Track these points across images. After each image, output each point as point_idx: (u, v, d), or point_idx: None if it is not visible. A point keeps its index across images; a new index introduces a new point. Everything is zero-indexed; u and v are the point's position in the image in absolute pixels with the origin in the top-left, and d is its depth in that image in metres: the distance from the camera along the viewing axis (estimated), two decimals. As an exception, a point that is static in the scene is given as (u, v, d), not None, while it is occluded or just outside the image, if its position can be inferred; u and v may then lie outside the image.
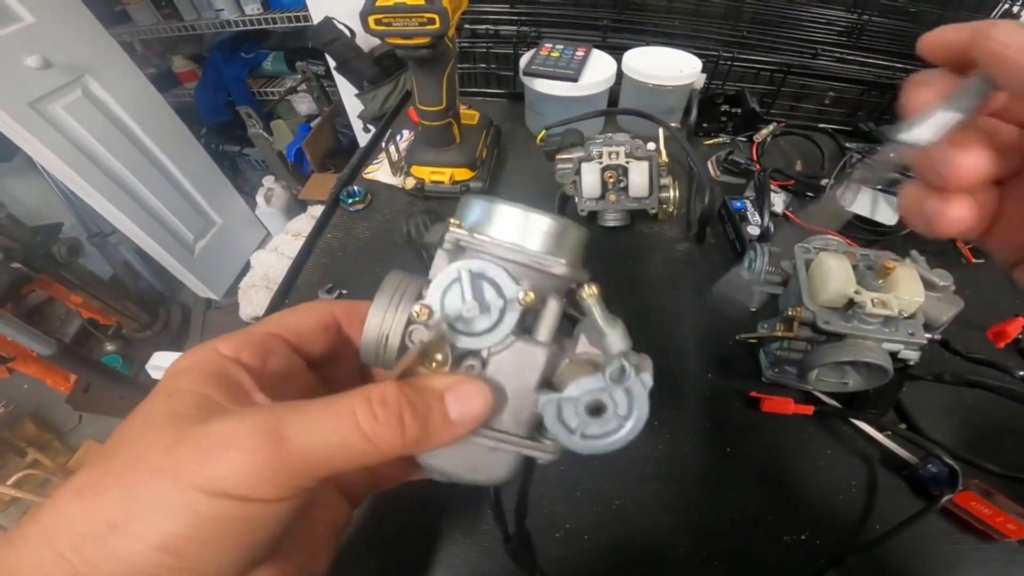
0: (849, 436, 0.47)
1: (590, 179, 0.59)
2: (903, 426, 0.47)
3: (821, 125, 0.83)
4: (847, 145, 0.77)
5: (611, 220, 0.63)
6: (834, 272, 0.41)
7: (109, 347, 1.72)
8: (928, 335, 0.42)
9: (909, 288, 0.41)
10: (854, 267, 0.43)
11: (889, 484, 0.44)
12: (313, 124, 1.65)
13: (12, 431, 1.48)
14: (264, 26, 1.63)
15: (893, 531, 0.40)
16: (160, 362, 0.66)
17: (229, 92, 1.95)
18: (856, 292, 0.41)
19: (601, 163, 0.59)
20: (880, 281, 0.42)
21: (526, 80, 0.76)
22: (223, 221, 1.83)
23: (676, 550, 0.41)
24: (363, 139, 1.35)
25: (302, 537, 0.23)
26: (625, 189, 0.59)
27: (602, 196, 0.60)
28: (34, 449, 1.44)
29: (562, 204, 0.66)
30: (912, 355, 0.42)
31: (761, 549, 0.41)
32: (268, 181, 1.81)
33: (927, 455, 0.44)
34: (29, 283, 1.41)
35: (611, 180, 0.59)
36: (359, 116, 1.18)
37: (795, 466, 0.45)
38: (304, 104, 1.95)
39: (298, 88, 1.87)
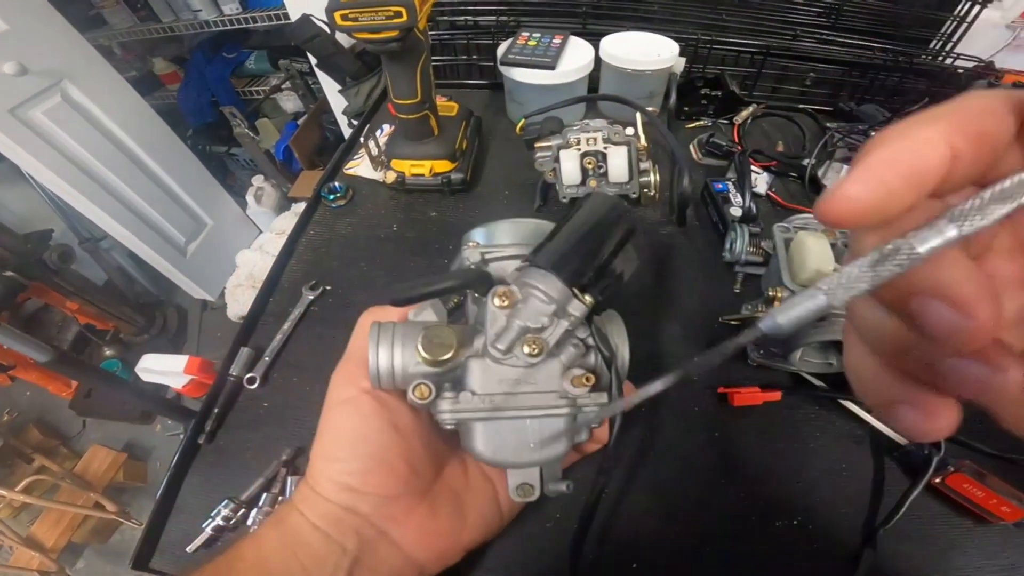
0: (839, 418, 0.47)
1: (569, 166, 0.58)
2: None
3: (802, 106, 0.83)
4: (828, 125, 0.77)
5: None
6: (812, 251, 0.42)
7: (108, 352, 1.72)
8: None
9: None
10: (832, 245, 0.43)
11: (880, 467, 0.44)
12: (300, 122, 1.65)
13: (18, 438, 1.49)
14: (243, 25, 1.62)
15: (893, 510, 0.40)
16: (150, 364, 0.66)
17: (213, 93, 1.93)
18: (834, 270, 0.41)
19: (580, 149, 0.59)
20: (857, 259, 0.42)
21: (504, 70, 0.76)
22: (214, 222, 1.81)
23: (666, 536, 0.41)
24: (349, 135, 1.35)
25: (449, 506, 0.31)
26: (605, 175, 0.59)
27: (583, 182, 0.60)
28: (40, 455, 1.44)
29: (544, 192, 0.66)
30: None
31: (753, 535, 0.41)
32: (257, 180, 1.80)
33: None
34: (23, 291, 1.41)
35: (591, 166, 0.59)
36: (343, 112, 1.17)
37: (784, 451, 0.45)
38: (290, 102, 1.93)
39: (282, 86, 1.86)
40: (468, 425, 0.27)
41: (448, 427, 0.27)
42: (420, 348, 0.26)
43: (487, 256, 0.30)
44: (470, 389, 0.26)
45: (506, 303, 0.26)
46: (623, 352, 0.28)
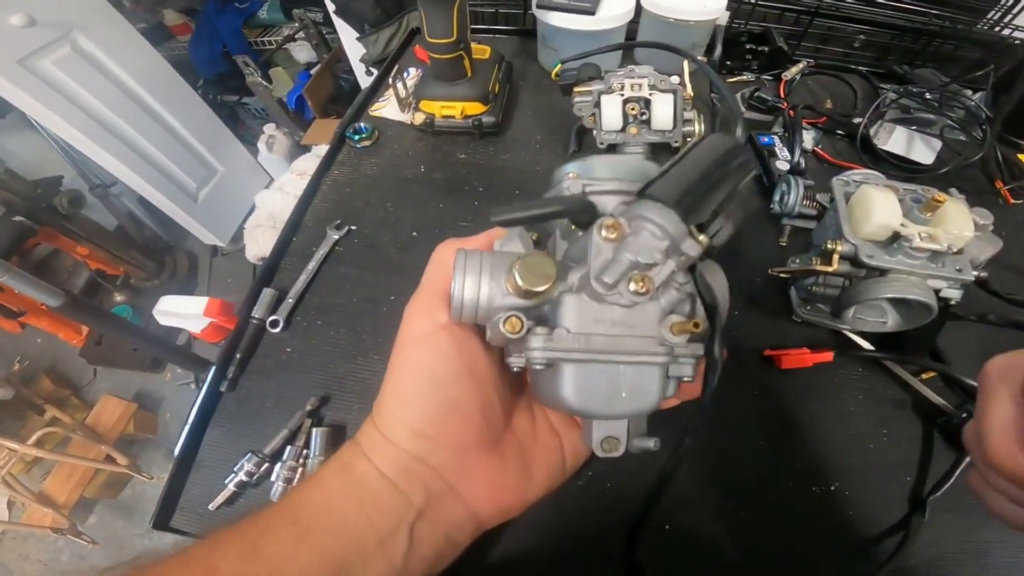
0: (882, 382, 0.45)
1: (611, 111, 0.55)
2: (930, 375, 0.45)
3: (852, 66, 0.80)
4: (882, 86, 0.73)
5: (632, 153, 0.60)
6: (879, 204, 0.39)
7: (118, 297, 1.72)
8: (974, 272, 0.39)
9: (958, 222, 0.39)
10: (899, 200, 0.40)
11: (922, 433, 0.43)
12: (313, 71, 1.61)
13: (29, 388, 1.49)
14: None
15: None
16: (167, 307, 0.64)
17: (225, 43, 1.90)
18: (902, 225, 0.38)
19: (623, 95, 0.55)
20: (928, 215, 0.39)
21: (539, 14, 0.72)
22: (225, 169, 1.79)
23: (699, 499, 0.40)
24: (365, 83, 1.31)
25: (520, 454, 0.30)
26: (647, 122, 0.56)
27: (623, 129, 0.57)
28: (52, 406, 1.44)
29: (579, 137, 0.63)
30: (955, 293, 0.40)
31: (789, 500, 0.40)
32: (269, 128, 1.77)
33: (961, 403, 0.42)
34: (33, 236, 1.40)
35: (633, 113, 0.55)
36: (361, 60, 1.14)
37: (824, 413, 0.44)
38: (303, 52, 1.89)
39: (296, 36, 1.81)
40: (557, 367, 0.24)
41: (536, 366, 0.24)
42: (516, 275, 0.23)
43: (588, 188, 0.28)
44: (564, 327, 0.24)
45: (614, 235, 0.23)
46: (723, 303, 0.26)
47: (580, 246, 0.26)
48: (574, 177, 0.28)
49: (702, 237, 0.23)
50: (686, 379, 0.25)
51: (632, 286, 0.22)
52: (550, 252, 0.30)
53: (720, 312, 0.25)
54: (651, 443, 0.26)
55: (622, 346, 0.23)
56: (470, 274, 0.25)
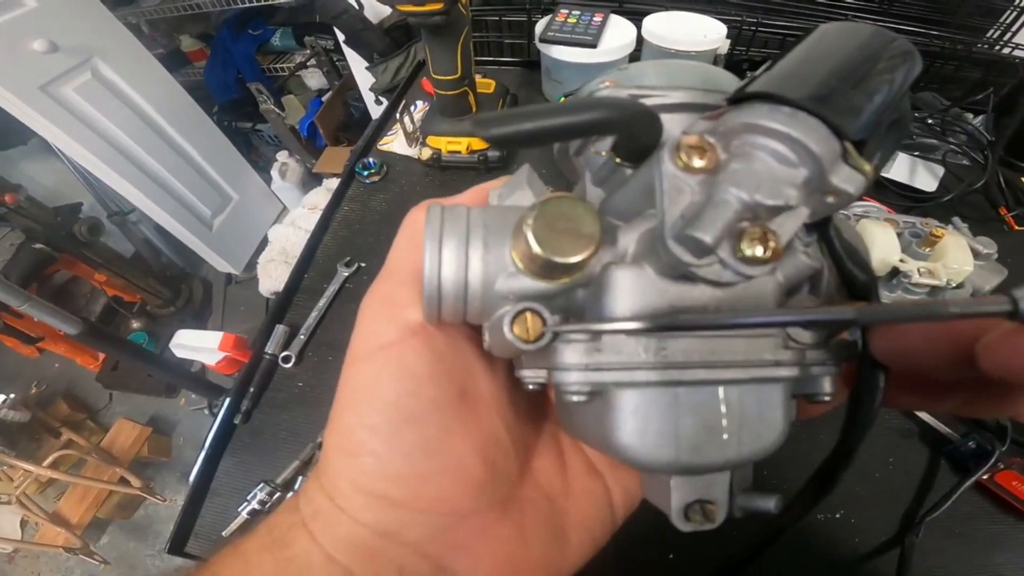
0: (887, 411, 0.45)
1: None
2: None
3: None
4: None
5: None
6: (878, 240, 0.40)
7: (135, 324, 1.74)
8: (974, 306, 0.40)
9: (958, 256, 0.39)
10: (898, 235, 0.41)
11: (928, 461, 0.43)
12: (324, 98, 1.64)
13: (46, 411, 1.51)
14: (270, 1, 1.61)
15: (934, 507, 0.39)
16: (184, 340, 0.65)
17: (239, 70, 1.94)
18: (901, 260, 0.39)
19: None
20: (926, 249, 0.40)
21: (542, 47, 0.74)
22: (239, 196, 1.82)
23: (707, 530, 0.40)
24: (375, 111, 1.34)
25: (543, 515, 0.20)
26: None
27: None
28: (68, 429, 1.45)
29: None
30: (957, 326, 0.40)
31: (794, 528, 0.40)
32: (282, 156, 1.79)
33: (967, 431, 0.42)
34: (53, 263, 1.43)
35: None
36: (371, 89, 1.16)
37: (829, 443, 0.44)
38: (314, 79, 1.93)
39: (308, 63, 1.85)
40: (608, 395, 0.15)
41: (572, 398, 0.15)
42: (531, 237, 0.14)
43: (640, 99, 0.16)
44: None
45: (703, 162, 0.13)
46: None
47: (633, 190, 0.16)
48: (612, 85, 0.18)
49: (866, 164, 0.13)
50: (823, 399, 0.17)
51: (748, 248, 0.13)
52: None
53: (877, 291, 0.16)
54: (770, 503, 0.18)
55: (721, 354, 0.15)
56: (450, 241, 0.16)
